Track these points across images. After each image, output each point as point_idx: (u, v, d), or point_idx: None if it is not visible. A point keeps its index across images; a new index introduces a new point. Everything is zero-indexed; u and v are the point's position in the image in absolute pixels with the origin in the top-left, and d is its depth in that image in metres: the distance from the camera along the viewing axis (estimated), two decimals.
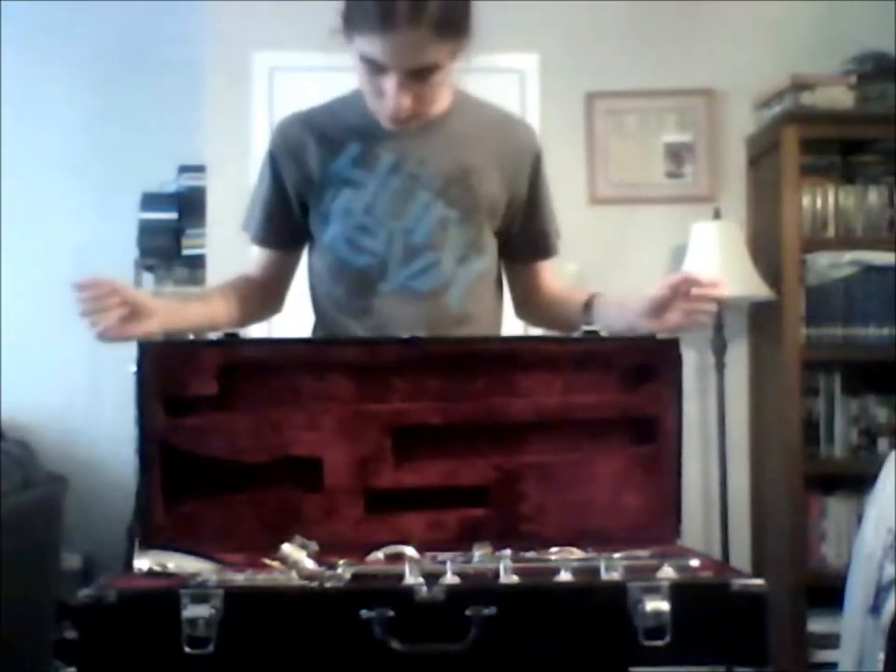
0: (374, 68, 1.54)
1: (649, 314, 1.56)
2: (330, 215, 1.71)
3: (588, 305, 1.68)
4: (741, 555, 3.38)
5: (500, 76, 3.42)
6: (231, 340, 1.51)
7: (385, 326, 1.68)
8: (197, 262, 3.59)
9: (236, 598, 1.17)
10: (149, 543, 1.40)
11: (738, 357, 3.50)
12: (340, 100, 1.77)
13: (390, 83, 1.54)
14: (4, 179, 3.81)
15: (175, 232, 3.70)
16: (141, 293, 1.50)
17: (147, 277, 3.76)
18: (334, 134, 1.71)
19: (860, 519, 2.77)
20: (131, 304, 1.50)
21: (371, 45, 1.51)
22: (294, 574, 1.25)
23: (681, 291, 1.53)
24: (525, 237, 1.80)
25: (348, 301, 1.71)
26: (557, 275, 1.87)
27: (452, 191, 1.70)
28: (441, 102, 1.72)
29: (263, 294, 1.80)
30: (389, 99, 1.56)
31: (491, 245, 1.76)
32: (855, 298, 3.23)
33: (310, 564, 1.28)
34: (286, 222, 1.76)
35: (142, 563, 1.30)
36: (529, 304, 1.86)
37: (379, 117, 1.64)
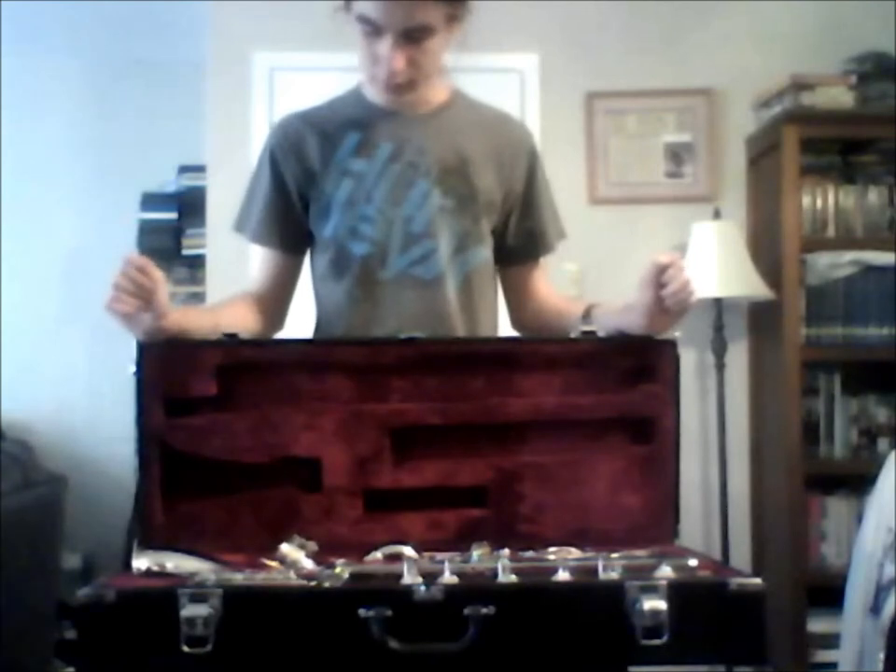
0: (371, 31, 1.59)
1: (650, 314, 1.54)
2: (332, 206, 1.71)
3: (586, 316, 1.66)
4: (741, 555, 3.38)
5: (500, 76, 3.43)
6: (231, 340, 1.51)
7: (387, 315, 1.68)
8: (197, 262, 3.59)
9: (234, 598, 1.17)
10: (148, 543, 1.40)
11: (738, 356, 3.50)
12: (337, 98, 1.80)
13: (385, 45, 1.59)
14: (3, 179, 3.81)
15: (175, 232, 3.70)
16: (164, 294, 1.46)
17: None
18: (333, 127, 1.73)
19: (860, 519, 2.77)
20: (154, 301, 1.45)
21: (368, 5, 1.57)
22: (292, 574, 1.25)
23: (659, 282, 1.48)
24: (520, 236, 1.80)
25: (350, 292, 1.71)
26: (552, 285, 1.86)
27: (449, 181, 1.71)
28: (439, 93, 1.76)
29: (264, 307, 1.75)
30: (384, 62, 1.61)
31: (488, 239, 1.77)
32: (855, 298, 3.23)
33: (308, 563, 1.28)
34: (286, 219, 1.76)
35: (141, 563, 1.30)
36: (524, 313, 1.84)
37: (375, 86, 1.69)
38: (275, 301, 1.79)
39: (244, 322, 1.67)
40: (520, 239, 1.81)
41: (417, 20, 1.58)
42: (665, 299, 1.48)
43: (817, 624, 3.10)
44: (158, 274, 1.44)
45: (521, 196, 1.78)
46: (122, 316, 1.43)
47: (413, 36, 1.59)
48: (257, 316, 1.74)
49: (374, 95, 1.73)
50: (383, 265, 1.70)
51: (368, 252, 1.70)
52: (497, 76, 3.36)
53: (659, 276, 1.47)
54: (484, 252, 1.76)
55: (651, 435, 1.52)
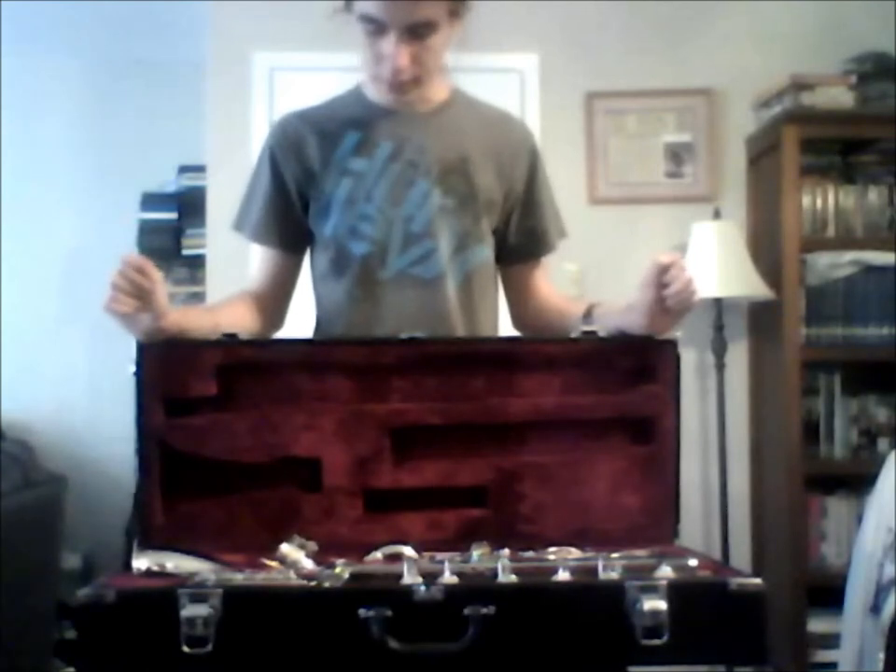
0: (374, 29, 1.59)
1: (651, 314, 1.53)
2: (331, 205, 1.71)
3: (587, 315, 1.66)
4: (741, 555, 3.38)
5: (500, 76, 3.43)
6: (231, 340, 1.51)
7: (387, 315, 1.68)
8: (197, 262, 3.59)
9: (234, 598, 1.17)
10: (148, 543, 1.40)
11: (738, 357, 3.50)
12: (337, 97, 1.80)
13: (389, 42, 1.59)
14: (3, 179, 3.81)
15: (175, 232, 3.71)
16: (163, 294, 1.46)
17: None
18: (333, 126, 1.73)
19: (860, 519, 2.77)
20: (153, 301, 1.44)
21: (371, 3, 1.57)
22: (292, 574, 1.25)
23: (661, 282, 1.48)
24: (521, 235, 1.80)
25: (350, 291, 1.71)
26: (552, 284, 1.86)
27: (449, 180, 1.71)
28: (439, 91, 1.76)
29: (264, 307, 1.75)
30: (388, 59, 1.61)
31: (489, 238, 1.77)
32: (855, 298, 3.23)
33: (308, 564, 1.28)
34: (286, 218, 1.75)
35: (141, 563, 1.30)
36: (526, 312, 1.84)
37: (379, 85, 1.69)
38: (275, 300, 1.79)
39: (243, 322, 1.67)
40: (521, 238, 1.80)
41: (420, 16, 1.58)
42: (667, 299, 1.48)
43: (817, 624, 3.10)
44: (156, 274, 1.43)
45: (522, 195, 1.78)
46: (121, 317, 1.43)
47: (416, 33, 1.59)
48: (256, 316, 1.73)
49: (375, 94, 1.73)
50: (382, 264, 1.70)
51: (368, 251, 1.70)
52: (497, 76, 3.36)
53: (661, 276, 1.47)
54: (485, 251, 1.76)
55: (651, 435, 1.52)
